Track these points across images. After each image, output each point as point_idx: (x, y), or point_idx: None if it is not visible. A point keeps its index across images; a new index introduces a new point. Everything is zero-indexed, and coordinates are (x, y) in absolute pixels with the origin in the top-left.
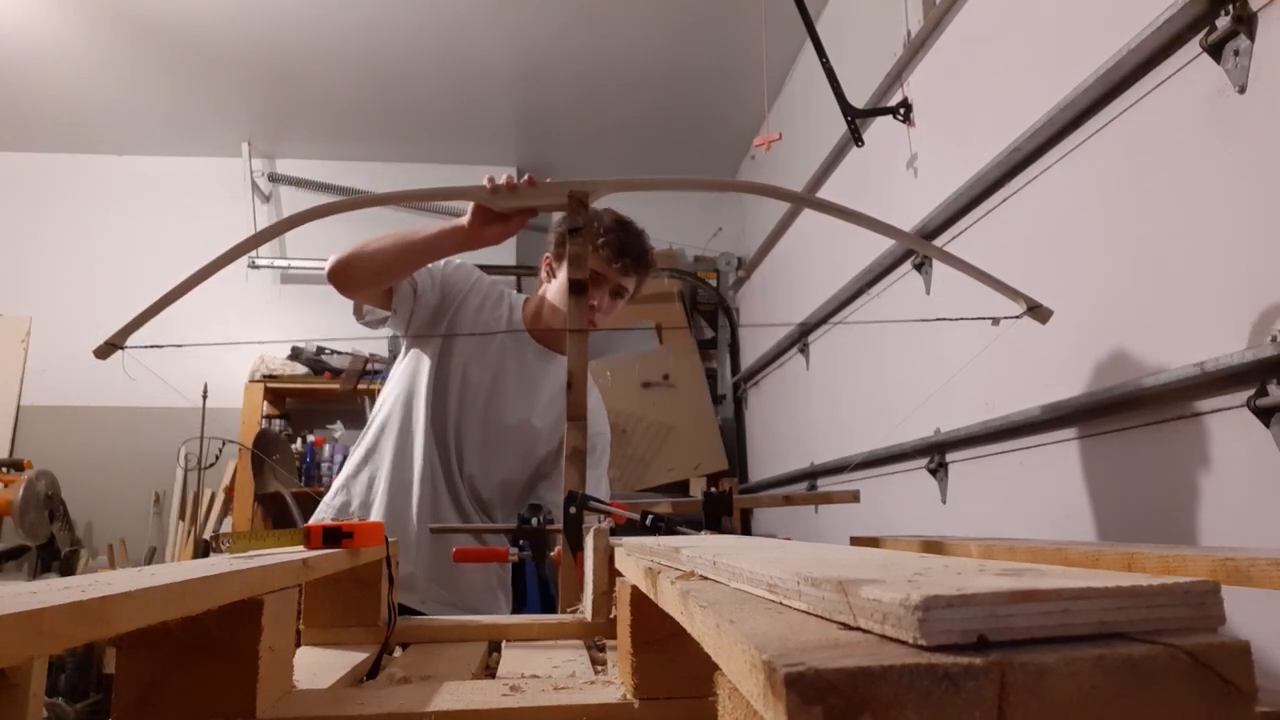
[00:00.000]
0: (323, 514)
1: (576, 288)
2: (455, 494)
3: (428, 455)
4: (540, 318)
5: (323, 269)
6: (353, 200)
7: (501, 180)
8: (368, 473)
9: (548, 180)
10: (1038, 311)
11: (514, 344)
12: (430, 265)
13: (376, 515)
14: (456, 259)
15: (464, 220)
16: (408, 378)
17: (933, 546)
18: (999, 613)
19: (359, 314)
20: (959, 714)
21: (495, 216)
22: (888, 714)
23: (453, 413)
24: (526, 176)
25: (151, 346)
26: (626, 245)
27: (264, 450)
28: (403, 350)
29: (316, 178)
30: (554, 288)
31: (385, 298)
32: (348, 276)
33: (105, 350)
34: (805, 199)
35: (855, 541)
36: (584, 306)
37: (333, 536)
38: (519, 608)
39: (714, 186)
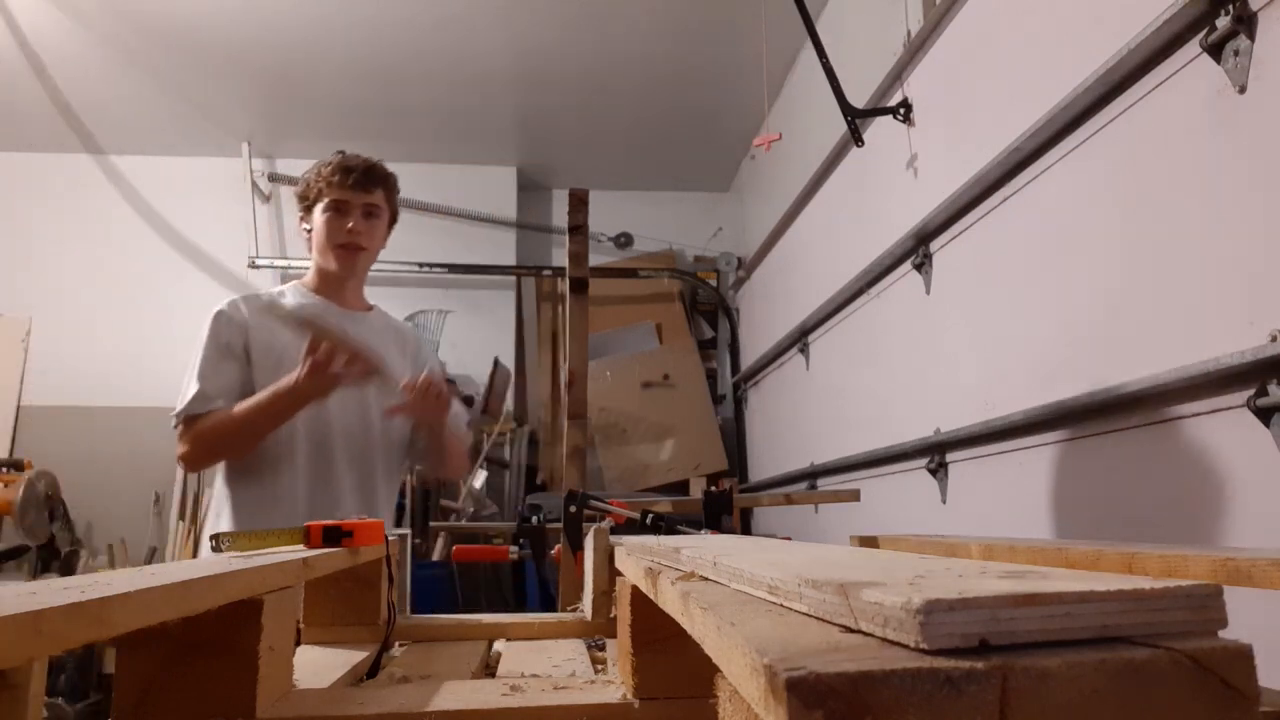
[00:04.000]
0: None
1: (577, 286)
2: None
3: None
4: (324, 278)
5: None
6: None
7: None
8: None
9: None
10: None
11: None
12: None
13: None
14: (222, 309)
15: (296, 376)
16: None
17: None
18: (1001, 616)
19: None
20: (960, 718)
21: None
22: (889, 718)
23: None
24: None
25: None
26: (349, 165)
27: None
28: None
29: None
30: (315, 238)
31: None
32: (199, 464)
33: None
34: None
35: (855, 541)
36: (584, 305)
37: (333, 536)
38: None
39: None
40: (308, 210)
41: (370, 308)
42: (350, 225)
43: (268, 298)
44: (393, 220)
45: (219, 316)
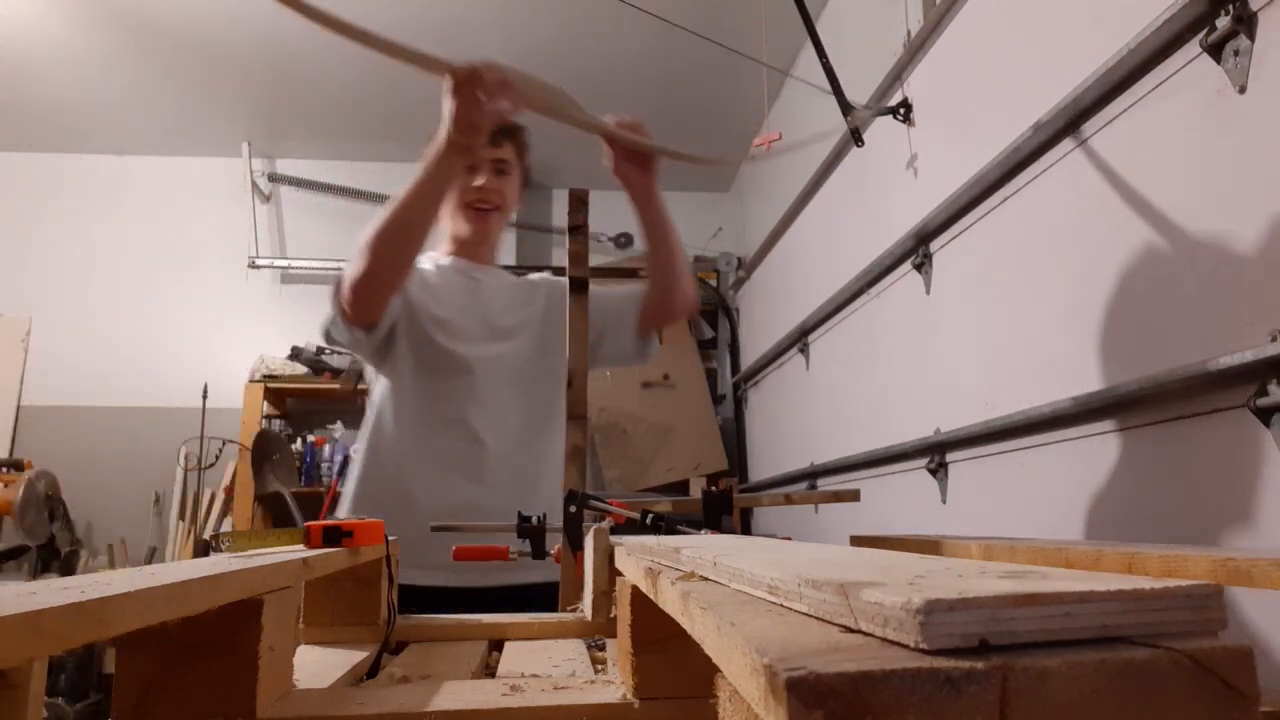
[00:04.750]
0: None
1: (577, 286)
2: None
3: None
4: (458, 245)
5: (323, 269)
6: None
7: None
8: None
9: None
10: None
11: (460, 284)
12: None
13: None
14: None
15: (443, 134)
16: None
17: (933, 546)
18: (1001, 616)
19: (358, 333)
20: (960, 718)
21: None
22: (889, 718)
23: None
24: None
25: None
26: None
27: (264, 450)
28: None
29: (316, 178)
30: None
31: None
32: (375, 286)
33: None
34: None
35: (855, 541)
36: (584, 305)
37: (333, 536)
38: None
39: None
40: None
41: (500, 267)
42: (479, 183)
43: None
44: (526, 178)
45: None
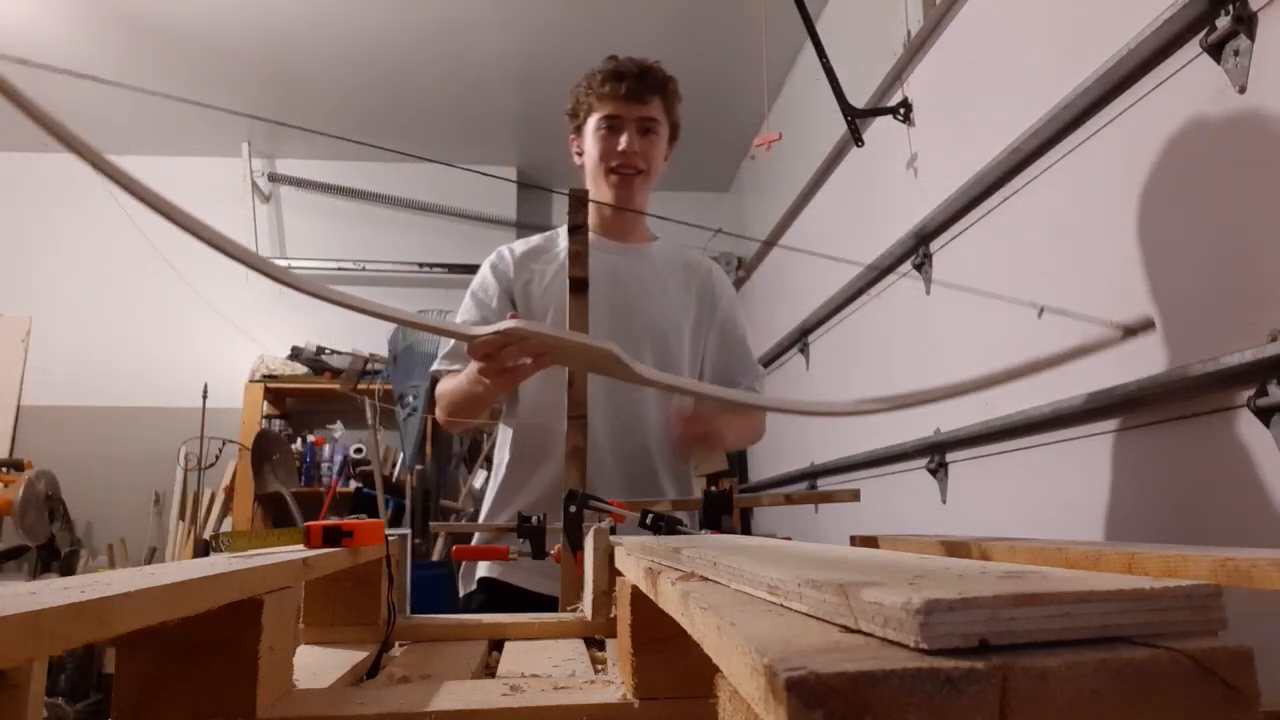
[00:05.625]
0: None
1: (577, 286)
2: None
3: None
4: (602, 215)
5: (322, 269)
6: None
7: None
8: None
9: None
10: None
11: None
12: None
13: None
14: (491, 258)
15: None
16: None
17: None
18: (1000, 616)
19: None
20: (960, 718)
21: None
22: (889, 718)
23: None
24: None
25: None
26: (621, 71)
27: (264, 450)
28: None
29: (316, 178)
30: (588, 162)
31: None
32: (454, 428)
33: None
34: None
35: (855, 541)
36: (584, 305)
37: (332, 536)
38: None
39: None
40: (577, 131)
41: (654, 238)
42: (623, 145)
43: (540, 239)
44: (674, 135)
45: (485, 267)
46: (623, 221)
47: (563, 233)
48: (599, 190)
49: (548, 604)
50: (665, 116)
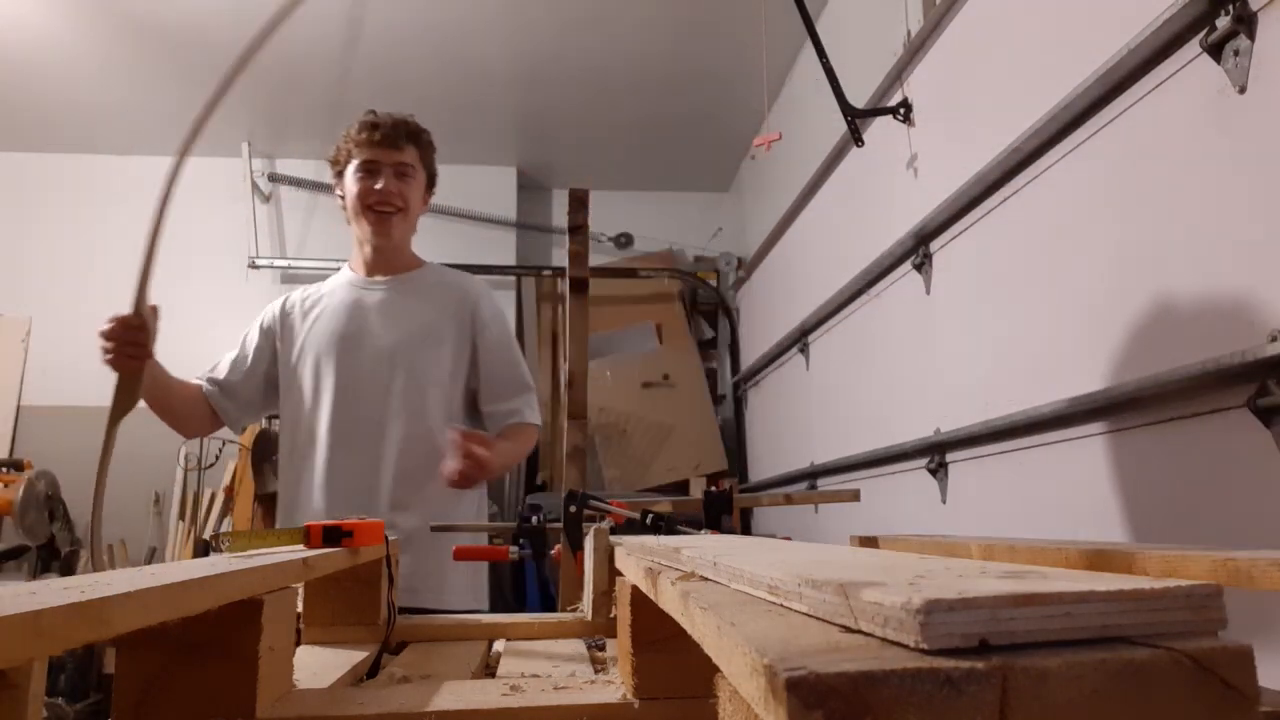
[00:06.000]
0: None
1: (577, 286)
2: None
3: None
4: (364, 254)
5: (322, 269)
6: None
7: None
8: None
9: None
10: None
11: (353, 312)
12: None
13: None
14: (274, 304)
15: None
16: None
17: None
18: (1001, 616)
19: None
20: (960, 718)
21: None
22: (889, 718)
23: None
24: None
25: None
26: (376, 123)
27: (264, 450)
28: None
29: (316, 178)
30: (349, 204)
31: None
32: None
33: None
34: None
35: (855, 541)
36: (584, 305)
37: (333, 536)
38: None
39: None
40: (339, 176)
41: (420, 264)
42: (380, 185)
43: (310, 293)
44: (430, 181)
45: (270, 312)
46: (388, 256)
47: (331, 276)
48: (360, 230)
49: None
50: (420, 163)
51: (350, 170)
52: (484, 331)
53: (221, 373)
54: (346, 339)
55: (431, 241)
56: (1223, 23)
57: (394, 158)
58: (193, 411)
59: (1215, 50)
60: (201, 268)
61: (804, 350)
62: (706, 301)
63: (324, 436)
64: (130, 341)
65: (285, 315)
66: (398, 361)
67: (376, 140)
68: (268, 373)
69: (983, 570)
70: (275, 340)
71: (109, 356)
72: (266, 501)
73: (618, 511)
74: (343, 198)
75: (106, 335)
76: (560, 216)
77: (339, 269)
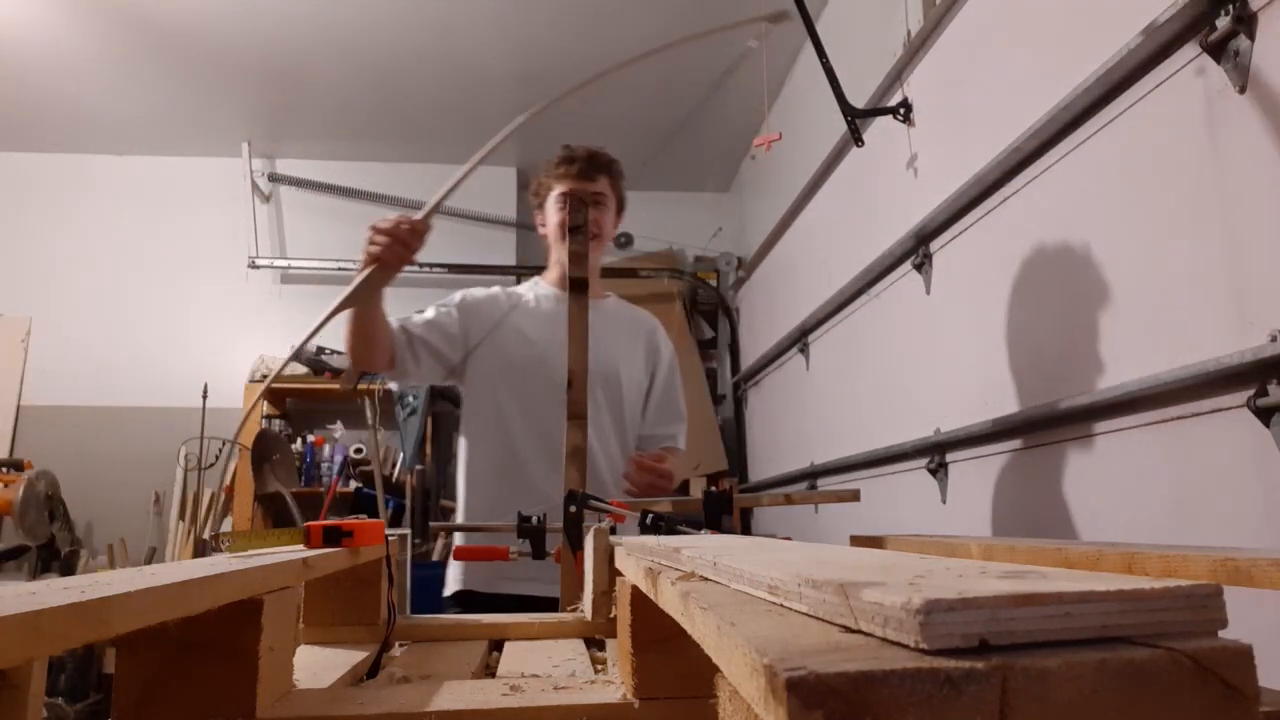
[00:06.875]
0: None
1: (577, 286)
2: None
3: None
4: (560, 274)
5: (322, 269)
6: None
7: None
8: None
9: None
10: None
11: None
12: (450, 310)
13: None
14: (478, 292)
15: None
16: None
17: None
18: (1001, 616)
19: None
20: (960, 718)
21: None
22: (889, 718)
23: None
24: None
25: None
26: (572, 156)
27: (264, 450)
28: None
29: (316, 178)
30: (550, 231)
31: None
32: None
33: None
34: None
35: (855, 541)
36: (584, 305)
37: (333, 536)
38: None
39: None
40: (540, 207)
41: (605, 295)
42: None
43: (509, 292)
44: (620, 207)
45: (475, 298)
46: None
47: (525, 287)
48: (560, 254)
49: (530, 605)
50: (612, 191)
51: (551, 200)
52: (661, 362)
53: (416, 327)
54: (557, 345)
55: (431, 241)
56: (1223, 23)
57: (589, 188)
58: (385, 345)
59: (1215, 50)
60: (201, 267)
61: (804, 350)
62: (706, 301)
63: (523, 437)
64: (405, 244)
65: (490, 306)
66: (596, 381)
67: (574, 173)
68: (448, 354)
69: (983, 570)
70: (468, 328)
71: (378, 248)
72: (266, 501)
73: (618, 511)
74: (543, 225)
75: (388, 231)
76: None
77: (339, 269)
